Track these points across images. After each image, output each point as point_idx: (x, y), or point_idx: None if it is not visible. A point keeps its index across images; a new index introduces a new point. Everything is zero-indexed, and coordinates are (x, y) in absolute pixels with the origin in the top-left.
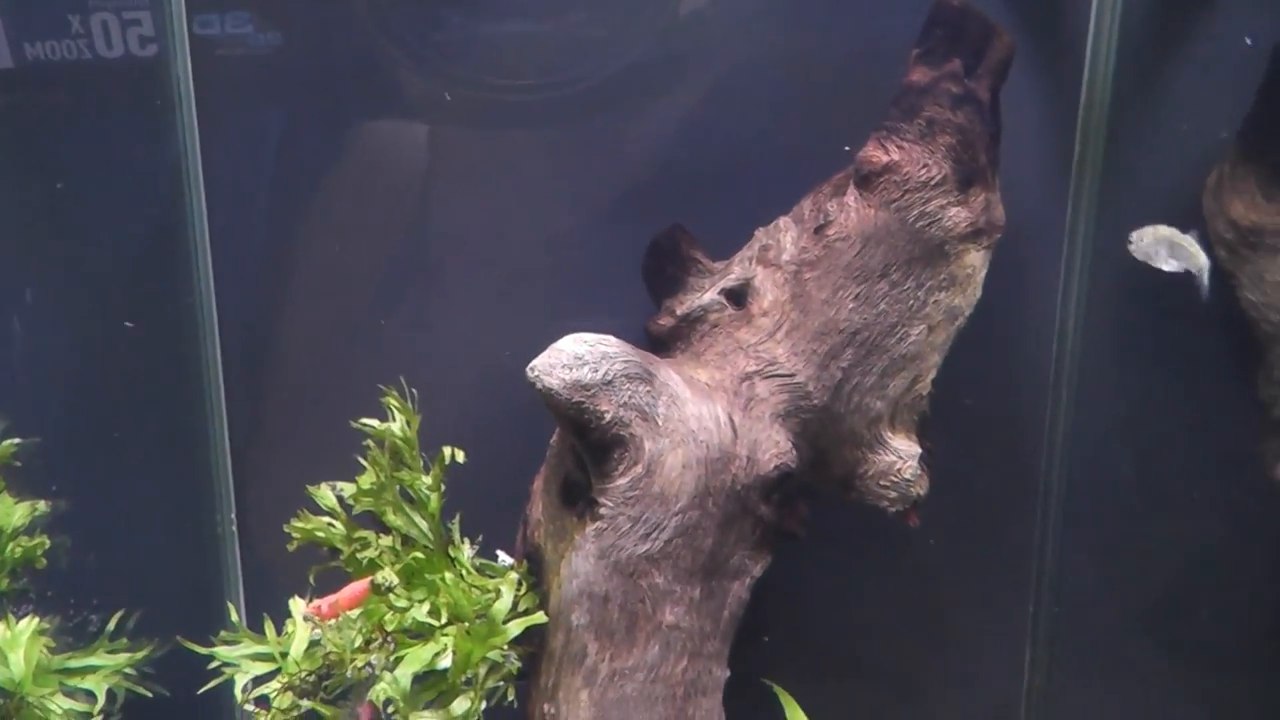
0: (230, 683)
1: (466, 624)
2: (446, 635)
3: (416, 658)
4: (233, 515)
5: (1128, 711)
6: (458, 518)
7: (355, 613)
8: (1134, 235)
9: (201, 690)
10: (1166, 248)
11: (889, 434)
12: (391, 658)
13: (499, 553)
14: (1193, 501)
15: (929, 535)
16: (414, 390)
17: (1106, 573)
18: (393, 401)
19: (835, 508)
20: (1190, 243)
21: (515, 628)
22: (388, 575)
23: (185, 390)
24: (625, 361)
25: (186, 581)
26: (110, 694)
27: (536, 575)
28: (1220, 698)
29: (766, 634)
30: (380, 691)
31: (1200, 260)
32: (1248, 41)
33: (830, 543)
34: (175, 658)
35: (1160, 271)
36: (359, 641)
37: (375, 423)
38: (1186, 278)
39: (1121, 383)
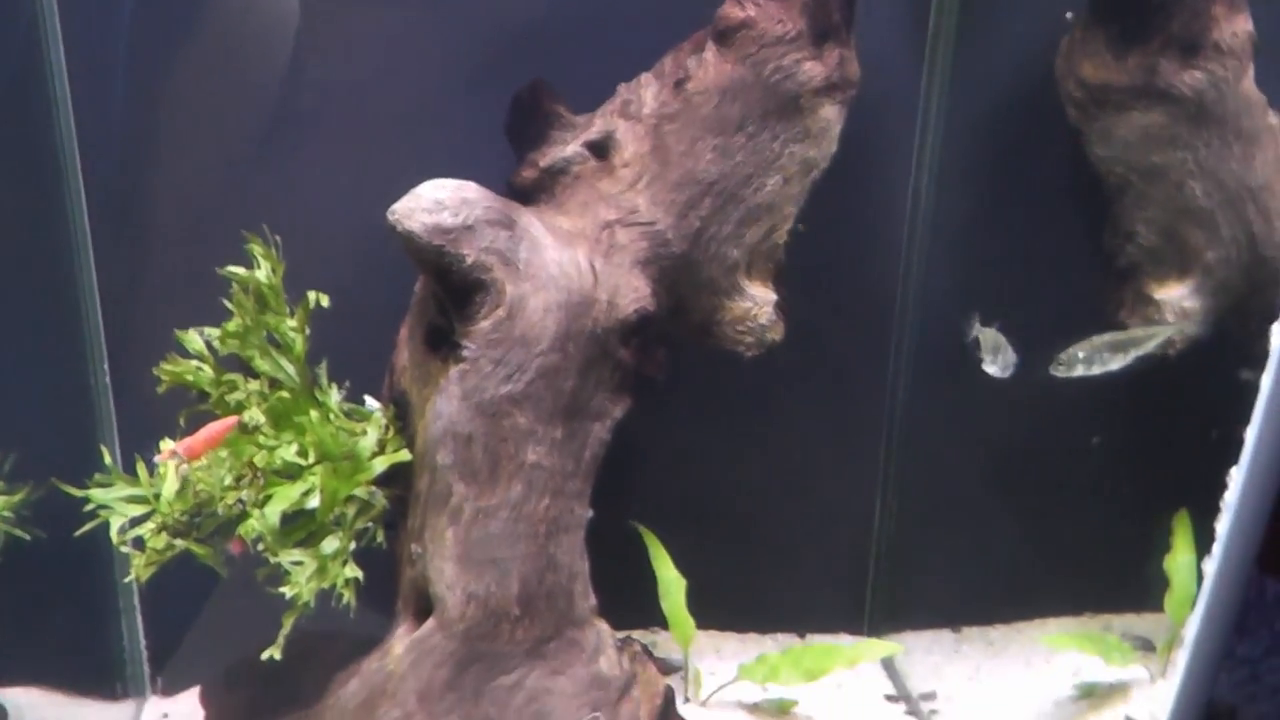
0: (106, 526)
1: (333, 463)
2: (314, 474)
3: (284, 495)
4: (105, 366)
5: (970, 553)
6: (324, 364)
7: (224, 452)
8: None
9: (78, 533)
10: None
11: (746, 281)
12: (261, 495)
13: (366, 398)
14: (1038, 351)
15: (785, 386)
16: (278, 238)
17: (954, 421)
18: (257, 249)
19: (698, 360)
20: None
21: (381, 464)
22: (255, 415)
23: (52, 242)
24: (486, 207)
25: (61, 431)
26: None
27: (403, 420)
28: (1057, 539)
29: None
30: (250, 527)
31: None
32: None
33: (690, 393)
34: (54, 503)
35: (1013, 133)
36: (229, 480)
37: (240, 270)
38: None
39: (972, 237)
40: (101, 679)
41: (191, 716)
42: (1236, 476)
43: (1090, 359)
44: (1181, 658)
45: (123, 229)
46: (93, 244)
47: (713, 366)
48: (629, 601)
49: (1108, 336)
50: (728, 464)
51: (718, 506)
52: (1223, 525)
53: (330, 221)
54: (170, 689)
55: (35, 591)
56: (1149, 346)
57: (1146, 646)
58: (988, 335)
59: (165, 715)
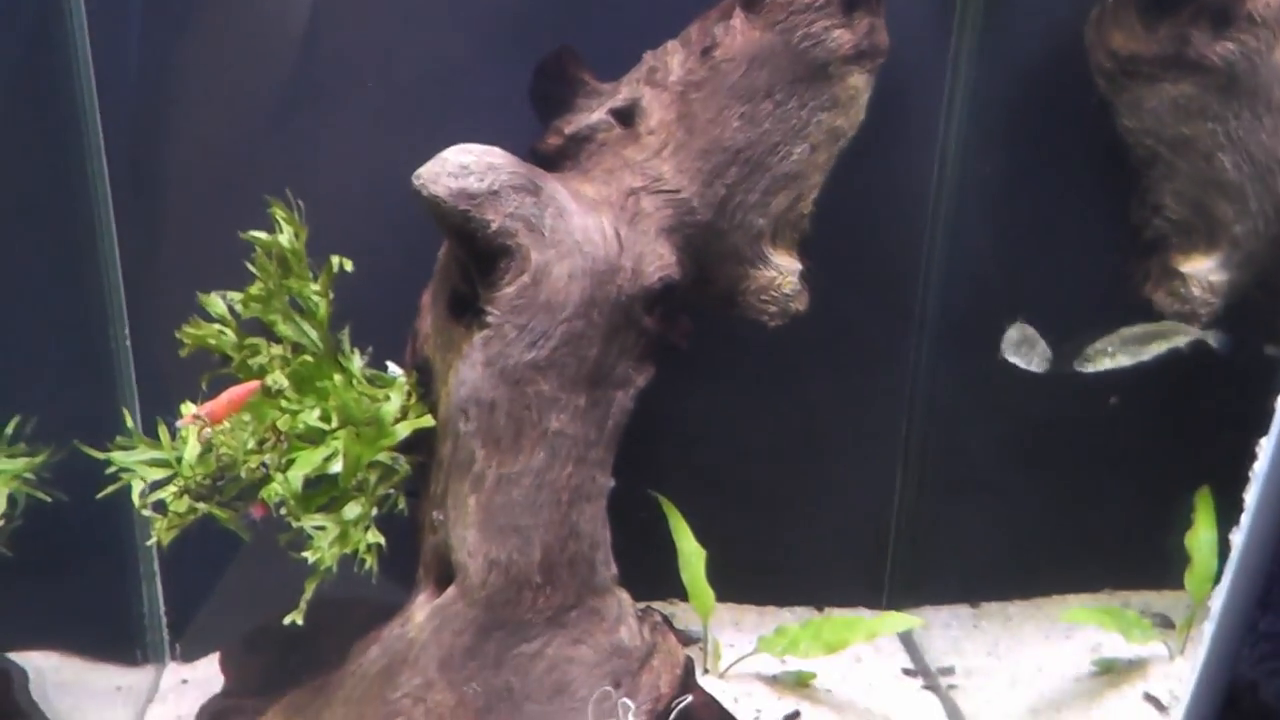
0: (128, 489)
1: (356, 428)
2: (336, 439)
3: (307, 460)
4: (126, 331)
5: (990, 528)
6: (346, 329)
7: (246, 416)
8: None
9: (100, 495)
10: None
11: (771, 250)
12: (284, 459)
13: (389, 364)
14: (1061, 327)
15: (806, 358)
16: (300, 203)
17: (976, 396)
18: (279, 213)
19: (720, 333)
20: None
21: (404, 429)
22: (278, 379)
23: (74, 206)
24: (511, 173)
25: (82, 396)
26: (10, 499)
27: (425, 387)
28: (1078, 515)
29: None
30: (272, 491)
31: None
32: None
33: (711, 365)
34: (75, 468)
35: (1040, 104)
36: (251, 444)
37: (263, 235)
38: None
39: (998, 209)
40: (121, 644)
41: (211, 683)
42: (1266, 448)
43: (1115, 354)
44: (1204, 633)
45: (144, 193)
46: (113, 208)
47: (735, 338)
48: (648, 573)
49: (1131, 330)
50: (748, 436)
51: (738, 479)
52: (1250, 497)
53: (353, 188)
54: (190, 656)
55: (57, 557)
56: (1176, 342)
57: (1166, 624)
58: (1011, 335)
59: (184, 681)
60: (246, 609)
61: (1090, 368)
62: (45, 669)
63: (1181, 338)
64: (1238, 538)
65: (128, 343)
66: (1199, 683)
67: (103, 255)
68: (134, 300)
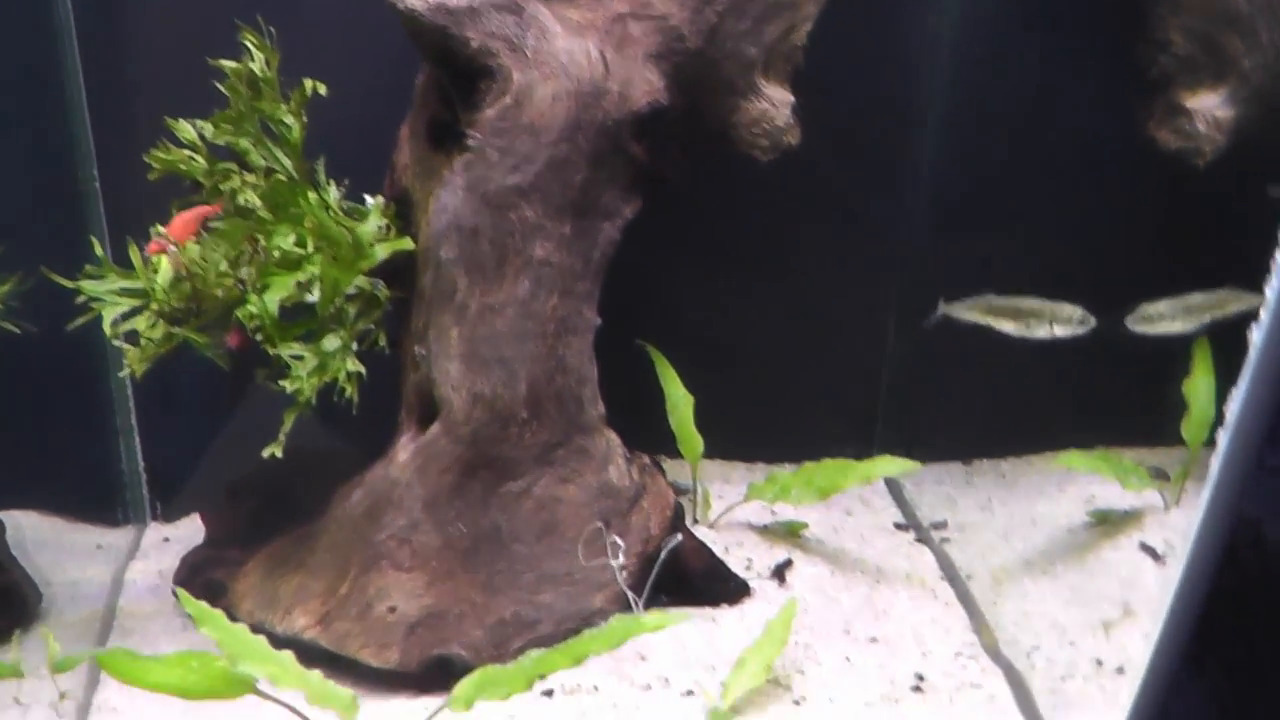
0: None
1: (333, 251)
2: (313, 264)
3: (283, 284)
4: (95, 171)
5: (981, 383)
6: (321, 160)
7: (218, 239)
8: None
9: (71, 326)
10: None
11: (763, 82)
12: (260, 282)
13: (366, 196)
14: (1063, 170)
15: (799, 211)
16: (272, 30)
17: (971, 250)
18: (250, 39)
19: (712, 188)
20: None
21: (383, 250)
22: (250, 198)
23: (37, 48)
24: None
25: (51, 234)
26: None
27: (405, 219)
28: (1071, 370)
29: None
30: (247, 312)
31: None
32: None
33: (705, 223)
34: (44, 295)
35: None
36: (224, 265)
37: (232, 63)
38: None
39: (998, 50)
40: (102, 504)
41: (193, 540)
42: (1273, 281)
43: (1173, 317)
44: (1211, 467)
45: (111, 29)
46: (79, 48)
47: (726, 192)
48: (634, 433)
49: (1194, 299)
50: (739, 294)
51: (728, 337)
52: (1271, 291)
53: (330, 22)
54: (172, 516)
55: (34, 417)
56: (1229, 310)
57: (1161, 476)
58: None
59: (166, 539)
60: (230, 472)
61: (1143, 329)
62: (25, 526)
63: (1235, 305)
64: (1245, 370)
65: (96, 184)
66: (1205, 519)
67: (69, 97)
68: (102, 138)
